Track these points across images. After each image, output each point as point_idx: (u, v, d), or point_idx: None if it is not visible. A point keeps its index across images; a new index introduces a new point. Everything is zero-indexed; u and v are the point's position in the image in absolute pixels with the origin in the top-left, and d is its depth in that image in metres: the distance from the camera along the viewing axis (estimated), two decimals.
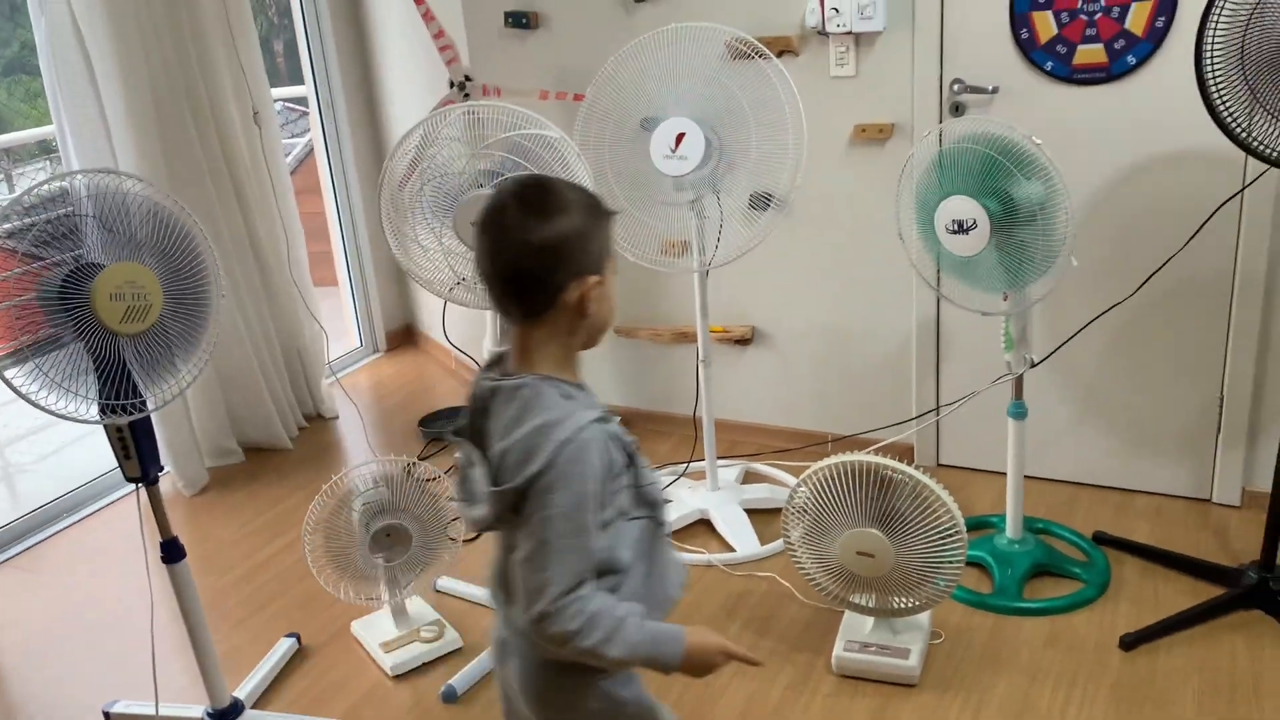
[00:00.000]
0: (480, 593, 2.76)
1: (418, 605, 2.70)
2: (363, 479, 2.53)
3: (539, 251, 1.29)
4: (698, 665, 1.37)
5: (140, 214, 2.00)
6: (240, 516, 3.37)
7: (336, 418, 4.13)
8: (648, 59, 2.68)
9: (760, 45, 2.63)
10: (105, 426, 2.02)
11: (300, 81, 4.48)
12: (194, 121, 3.49)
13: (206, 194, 3.53)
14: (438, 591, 2.83)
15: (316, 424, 4.09)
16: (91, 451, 3.72)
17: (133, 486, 2.13)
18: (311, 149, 4.99)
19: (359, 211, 4.62)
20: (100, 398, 1.96)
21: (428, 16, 3.20)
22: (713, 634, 1.40)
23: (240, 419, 3.80)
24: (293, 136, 8.13)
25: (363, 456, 3.75)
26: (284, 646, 2.61)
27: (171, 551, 2.16)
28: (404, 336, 4.97)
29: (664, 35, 2.65)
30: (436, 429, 3.86)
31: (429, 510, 2.56)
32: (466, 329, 4.18)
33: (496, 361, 1.41)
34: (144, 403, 2.00)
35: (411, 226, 2.26)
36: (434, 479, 2.57)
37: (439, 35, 3.22)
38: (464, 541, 3.02)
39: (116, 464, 2.09)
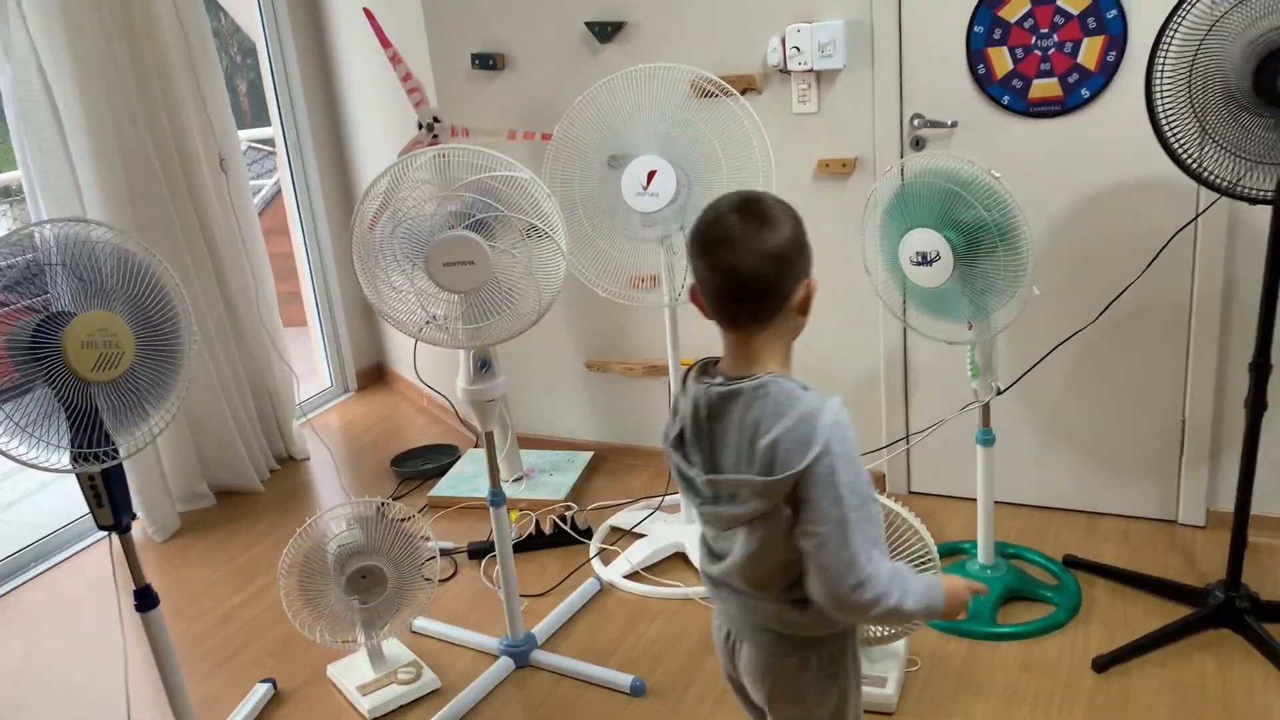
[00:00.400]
0: (456, 632, 2.76)
1: (394, 647, 2.69)
2: (337, 521, 2.53)
3: (774, 259, 1.40)
4: (954, 604, 1.45)
5: (110, 261, 2.00)
6: (213, 561, 3.34)
7: (308, 459, 4.12)
8: (614, 98, 2.72)
9: (724, 84, 2.68)
10: (77, 475, 2.00)
11: (265, 120, 4.50)
12: (161, 167, 3.49)
13: (175, 238, 3.53)
14: (414, 632, 2.82)
15: (288, 466, 4.07)
16: (60, 497, 3.69)
17: (103, 533, 2.11)
18: (279, 189, 5.00)
19: (328, 251, 4.62)
20: (72, 445, 1.95)
21: (395, 59, 3.23)
22: (949, 575, 1.50)
23: (211, 462, 3.78)
24: (259, 177, 8.14)
25: (335, 498, 3.73)
26: (260, 692, 2.59)
27: (144, 599, 2.14)
28: (375, 375, 4.96)
29: (631, 75, 2.70)
30: (409, 468, 3.85)
31: (404, 551, 2.56)
32: (438, 367, 4.19)
33: (703, 370, 1.49)
34: (116, 450, 1.99)
35: (383, 268, 2.28)
36: (408, 519, 2.57)
37: (407, 77, 3.25)
38: (439, 581, 3.01)
39: (88, 510, 2.08)
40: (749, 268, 1.39)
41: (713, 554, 1.52)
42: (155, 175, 3.46)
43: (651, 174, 2.67)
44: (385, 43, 3.22)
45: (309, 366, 4.76)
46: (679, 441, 1.47)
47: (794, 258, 1.43)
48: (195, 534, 3.55)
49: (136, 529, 3.51)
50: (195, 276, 3.62)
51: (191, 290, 3.58)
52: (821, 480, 1.32)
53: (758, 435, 1.37)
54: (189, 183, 3.61)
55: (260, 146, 8.08)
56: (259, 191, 7.84)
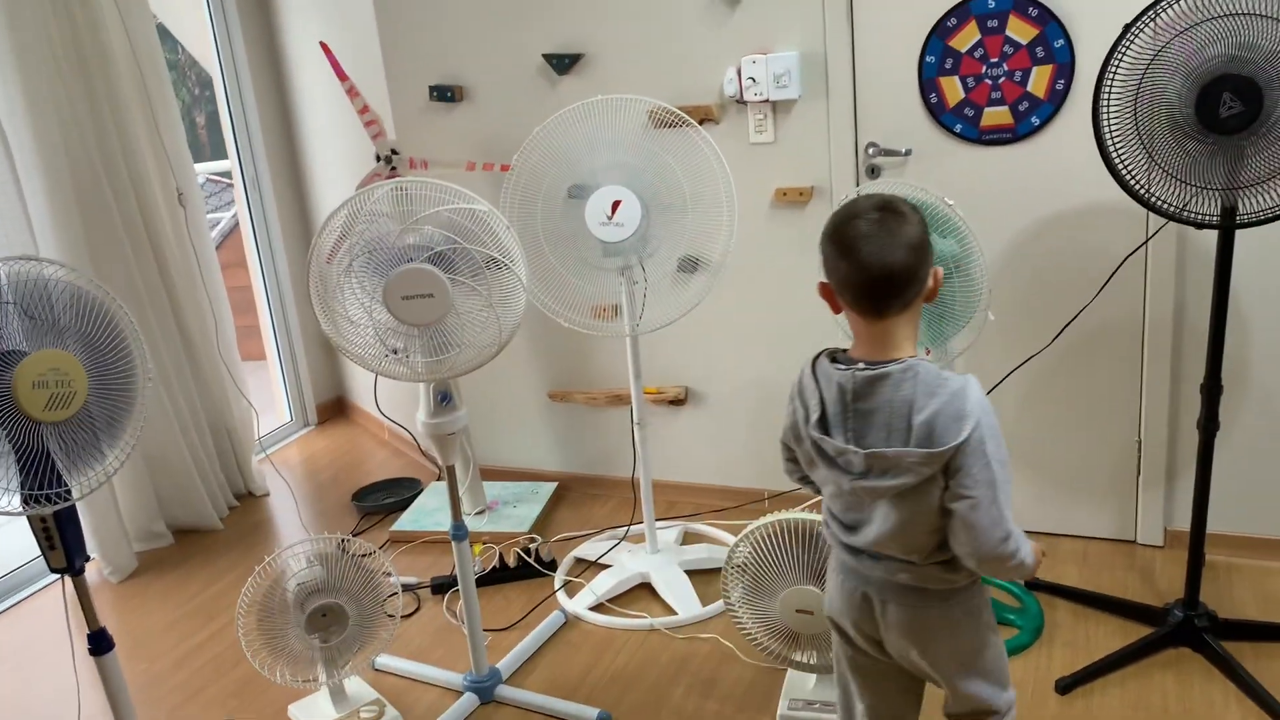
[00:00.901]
0: (420, 669, 2.72)
1: (357, 685, 2.65)
2: (296, 558, 2.50)
3: (916, 249, 1.56)
4: (1038, 562, 1.66)
5: (63, 300, 1.97)
6: (171, 601, 3.28)
7: (268, 495, 4.06)
8: (575, 129, 2.73)
9: (683, 114, 2.70)
10: (29, 517, 1.97)
11: (224, 153, 4.47)
12: (116, 203, 3.46)
13: (131, 275, 3.49)
14: (377, 670, 2.78)
15: (247, 502, 4.01)
16: (13, 537, 3.61)
17: (57, 575, 2.07)
18: (237, 223, 4.96)
19: (286, 284, 4.59)
20: (23, 488, 1.91)
21: (352, 93, 3.23)
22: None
23: (168, 501, 3.72)
24: (216, 210, 8.07)
25: (295, 534, 3.68)
26: None
27: (99, 643, 2.09)
28: (335, 409, 4.92)
29: (590, 106, 2.71)
30: (371, 503, 3.81)
31: (365, 587, 2.53)
32: (399, 400, 4.16)
33: (833, 359, 1.63)
34: (69, 491, 1.96)
35: (341, 302, 2.26)
36: (369, 555, 2.54)
37: (364, 110, 3.24)
38: (402, 618, 2.98)
39: (40, 553, 2.03)
40: (897, 259, 1.54)
41: (846, 526, 1.69)
42: (110, 211, 3.42)
43: (616, 204, 2.68)
44: (342, 76, 3.22)
45: (268, 401, 4.72)
46: (821, 423, 1.62)
47: (927, 249, 1.59)
48: (153, 574, 3.49)
49: (92, 570, 3.45)
50: (151, 312, 3.58)
51: (148, 326, 3.54)
52: (974, 450, 1.50)
53: (912, 412, 1.53)
54: (145, 218, 3.57)
55: (219, 179, 8.02)
56: (217, 225, 7.78)
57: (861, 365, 1.59)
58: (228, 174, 4.58)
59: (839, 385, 1.60)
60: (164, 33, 4.01)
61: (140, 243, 3.55)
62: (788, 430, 1.75)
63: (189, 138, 3.80)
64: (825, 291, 1.67)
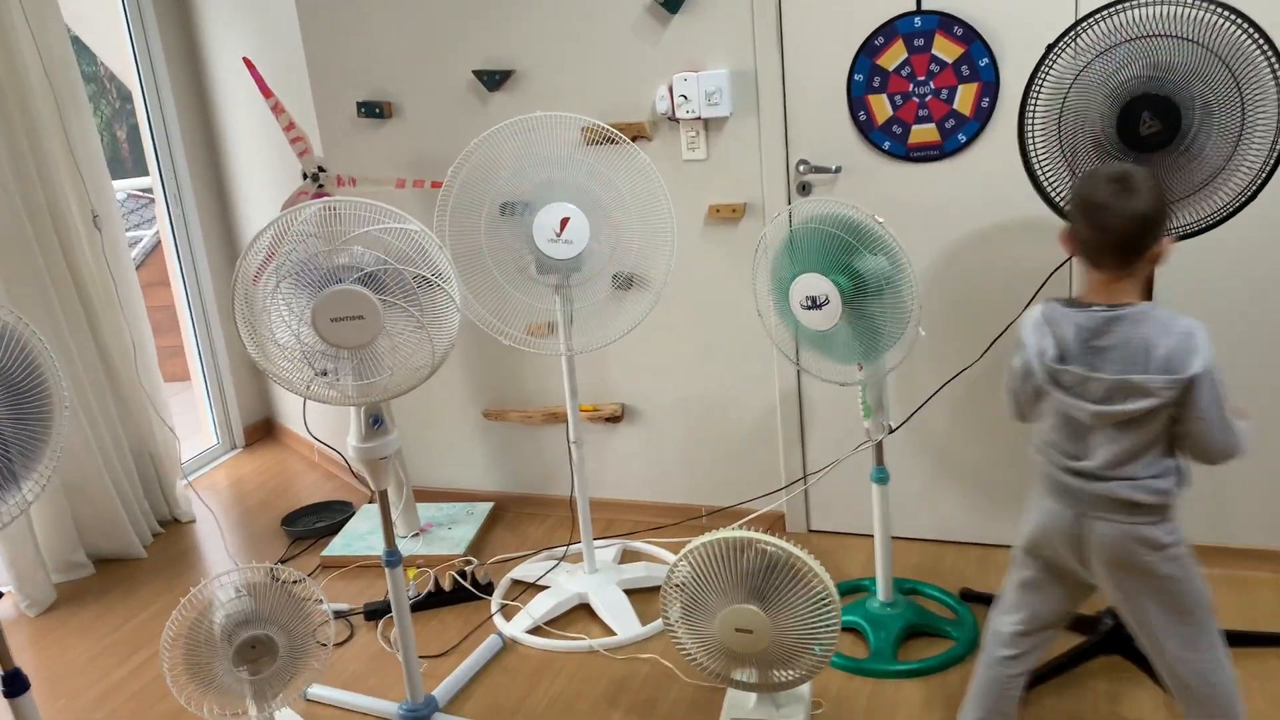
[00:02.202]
0: (353, 698, 2.66)
1: (288, 716, 2.58)
2: (224, 588, 2.42)
3: (1157, 211, 1.81)
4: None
5: None
6: (92, 635, 3.17)
7: (193, 521, 3.95)
8: (507, 145, 2.70)
9: (616, 131, 2.69)
10: None
11: (144, 170, 4.36)
12: (31, 223, 3.34)
13: (47, 298, 3.38)
14: (309, 700, 2.71)
15: (172, 529, 3.90)
16: None
17: None
18: (160, 240, 4.84)
19: (211, 304, 4.48)
20: None
21: (277, 109, 3.17)
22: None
23: (89, 529, 3.60)
24: (138, 227, 7.87)
25: (222, 561, 3.59)
26: None
27: (13, 685, 2.01)
28: (263, 431, 4.81)
29: (525, 123, 2.68)
30: (301, 527, 3.73)
31: (296, 616, 2.46)
32: (329, 421, 4.08)
33: (1068, 304, 1.87)
34: None
35: (268, 324, 2.21)
36: (299, 582, 2.48)
37: (290, 127, 3.18)
38: (335, 646, 2.91)
39: None
40: (1145, 214, 1.79)
41: (1069, 454, 1.92)
42: (24, 232, 3.31)
43: (564, 221, 2.66)
44: (266, 92, 3.15)
45: (193, 423, 4.60)
46: (1058, 359, 1.86)
47: (1163, 214, 1.84)
48: (73, 606, 3.37)
49: (7, 603, 3.32)
50: (69, 336, 3.47)
51: (66, 350, 3.43)
52: (1205, 378, 1.75)
53: (1150, 348, 1.78)
54: (61, 239, 3.46)
55: (141, 195, 7.82)
56: (140, 242, 7.57)
57: (1100, 307, 1.83)
58: (150, 190, 4.46)
59: (1077, 324, 1.84)
60: (80, 45, 3.90)
61: (56, 264, 3.44)
62: (1015, 373, 1.98)
63: (110, 152, 3.70)
64: (1068, 240, 1.91)
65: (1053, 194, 2.20)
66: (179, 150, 4.28)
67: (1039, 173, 2.21)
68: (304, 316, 2.18)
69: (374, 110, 3.43)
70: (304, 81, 3.55)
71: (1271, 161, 1.96)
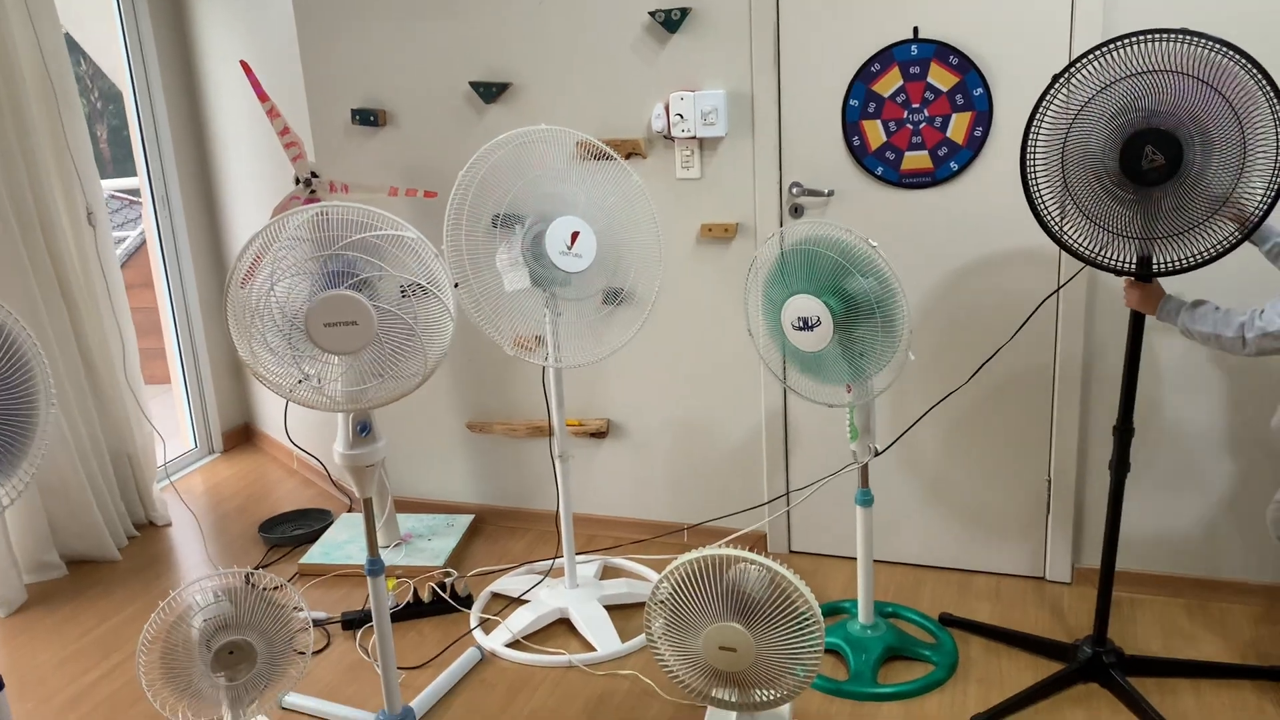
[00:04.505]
0: (330, 708, 2.63)
1: None
2: (203, 592, 2.40)
3: None
4: None
5: None
6: (64, 636, 3.12)
7: (169, 525, 3.91)
8: (512, 158, 2.70)
9: (607, 148, 2.70)
10: None
11: (127, 169, 4.33)
12: (17, 220, 3.31)
13: (30, 294, 3.34)
14: (285, 709, 2.68)
15: (148, 532, 3.85)
16: None
17: None
18: (143, 242, 4.80)
19: (195, 307, 4.45)
20: None
21: (273, 113, 3.16)
22: None
23: (63, 530, 3.55)
24: (120, 227, 7.81)
25: (197, 566, 3.55)
26: None
27: None
28: (242, 436, 4.77)
29: (533, 134, 2.68)
30: (278, 534, 3.70)
31: (274, 623, 2.44)
32: (310, 428, 4.06)
33: None
34: None
35: (259, 328, 2.20)
36: (278, 588, 2.45)
37: (285, 132, 3.17)
38: (313, 654, 2.88)
39: None
40: None
41: None
42: (9, 227, 3.28)
43: (575, 235, 2.67)
44: (262, 96, 3.15)
45: (172, 427, 4.55)
46: None
47: None
48: (44, 607, 3.32)
49: None
50: (51, 333, 3.43)
51: (47, 348, 3.39)
52: None
53: None
54: (46, 235, 3.43)
55: (122, 196, 7.77)
56: (121, 243, 7.52)
57: None
58: (133, 191, 4.43)
59: None
60: (71, 43, 3.88)
61: (40, 261, 3.41)
62: None
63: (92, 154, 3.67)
64: None
65: (1052, 225, 2.22)
66: (168, 151, 4.26)
67: (1038, 203, 2.23)
68: (296, 321, 2.17)
69: (368, 118, 3.43)
70: (299, 87, 3.54)
71: (1272, 194, 1.99)
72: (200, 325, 4.47)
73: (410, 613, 3.08)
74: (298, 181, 3.19)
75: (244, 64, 3.17)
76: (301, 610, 2.49)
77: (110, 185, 4.59)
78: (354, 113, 3.45)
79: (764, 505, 3.32)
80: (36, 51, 3.40)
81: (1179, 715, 2.42)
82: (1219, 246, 2.08)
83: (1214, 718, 2.42)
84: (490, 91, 3.25)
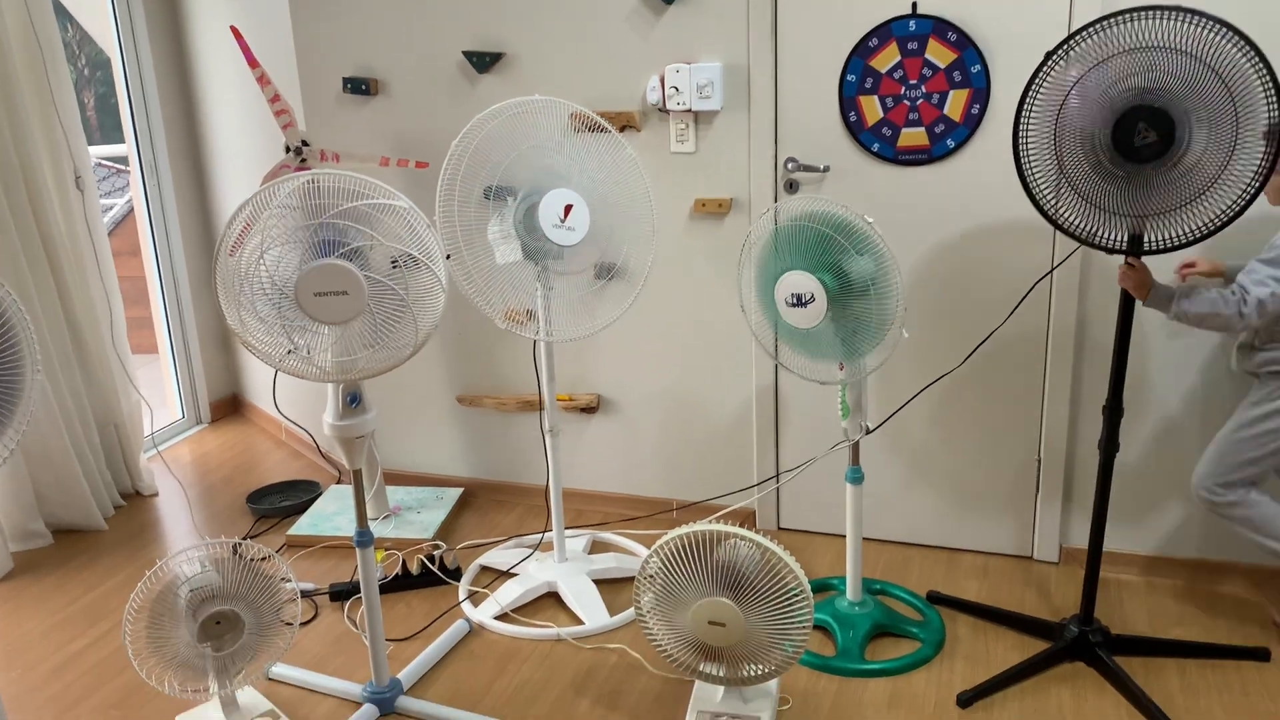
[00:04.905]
0: (317, 679, 2.63)
1: (249, 695, 2.55)
2: (191, 562, 2.38)
3: None
4: None
5: None
6: (48, 605, 3.11)
7: (156, 495, 3.89)
8: (502, 128, 2.67)
9: (602, 120, 2.68)
10: None
11: (114, 137, 4.28)
12: (2, 183, 3.27)
13: (15, 261, 3.31)
14: (271, 679, 2.68)
15: (134, 502, 3.84)
16: None
17: None
18: (130, 210, 4.75)
19: (183, 275, 4.41)
20: None
21: (263, 80, 3.12)
22: None
23: (48, 499, 3.53)
24: (107, 195, 7.74)
25: (184, 536, 3.53)
26: None
27: None
28: (230, 407, 4.75)
29: (526, 105, 2.65)
30: (266, 505, 3.68)
31: (262, 593, 2.43)
32: (298, 399, 4.04)
33: None
34: None
35: (249, 296, 2.17)
36: (266, 559, 2.45)
37: (275, 99, 3.13)
38: (300, 625, 2.88)
39: None
40: None
41: None
42: None
43: (568, 208, 2.64)
44: (253, 62, 3.11)
45: (159, 396, 4.52)
46: None
47: None
48: (30, 575, 3.30)
49: None
50: (37, 300, 3.40)
51: (32, 314, 3.36)
52: None
53: None
54: (32, 201, 3.39)
55: (108, 164, 7.69)
56: (107, 212, 7.45)
57: None
58: (119, 159, 4.38)
59: None
60: (57, 8, 3.82)
61: (27, 228, 3.37)
62: None
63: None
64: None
65: (1044, 204, 2.21)
66: (157, 118, 4.21)
67: (1031, 180, 2.22)
68: (287, 288, 2.15)
69: (360, 87, 3.39)
70: (290, 54, 3.50)
71: (1263, 174, 1.98)
72: (188, 294, 4.43)
73: (399, 585, 3.08)
74: (288, 150, 3.16)
75: (234, 30, 3.13)
76: (289, 581, 2.48)
77: (97, 152, 4.53)
78: (345, 81, 3.41)
79: (754, 486, 3.32)
80: (23, 11, 3.35)
81: (1164, 695, 2.44)
82: (1210, 225, 2.07)
83: (1199, 697, 2.43)
84: (483, 61, 3.22)
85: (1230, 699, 2.42)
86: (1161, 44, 1.99)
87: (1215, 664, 2.56)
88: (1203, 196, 2.03)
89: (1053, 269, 2.81)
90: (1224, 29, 1.95)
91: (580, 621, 2.85)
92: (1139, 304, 2.33)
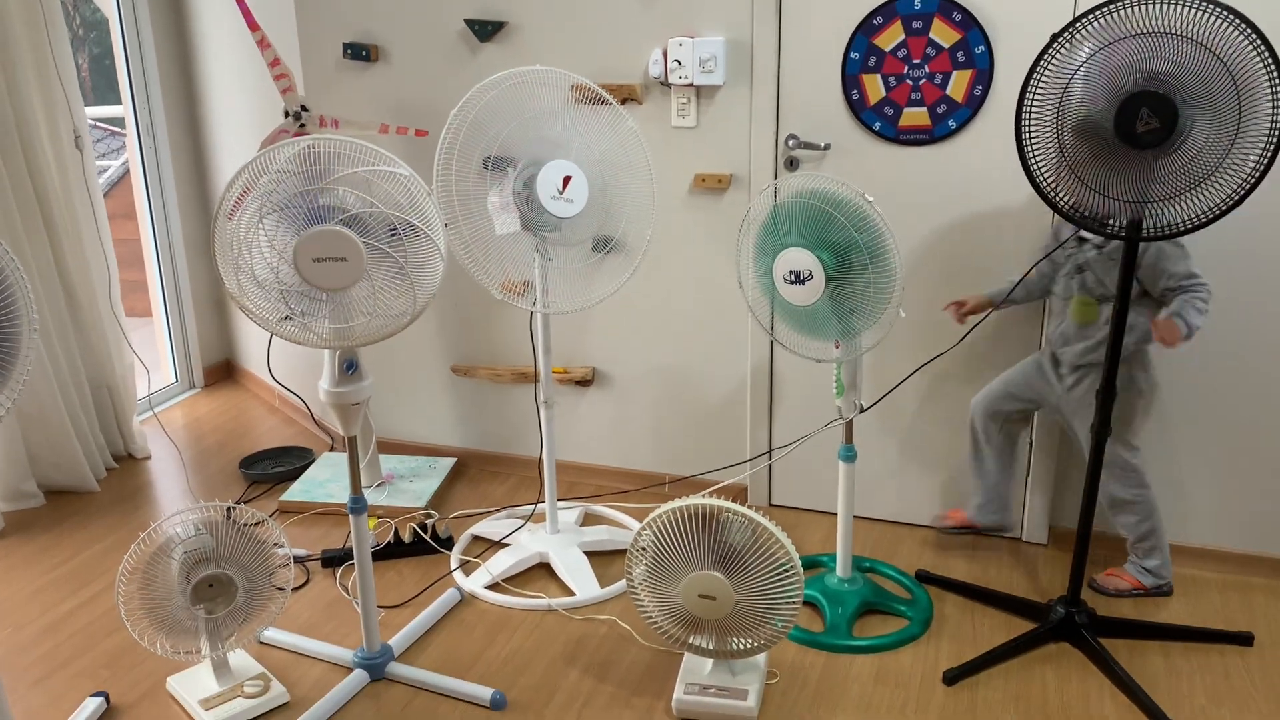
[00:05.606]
0: (308, 644, 2.64)
1: (240, 658, 2.56)
2: (185, 525, 2.39)
3: None
4: None
5: None
6: (40, 565, 3.12)
7: (149, 458, 3.89)
8: (503, 98, 2.66)
9: (604, 92, 2.67)
10: None
11: (107, 100, 4.25)
12: None
13: (10, 218, 3.29)
14: (263, 643, 2.69)
15: (127, 465, 3.84)
16: None
17: None
18: (125, 173, 4.73)
19: (178, 239, 4.40)
20: None
21: (263, 44, 3.10)
22: None
23: (41, 459, 3.53)
24: (102, 157, 7.69)
25: (176, 499, 3.54)
26: (90, 707, 2.42)
27: None
28: (224, 372, 4.74)
29: (527, 75, 2.63)
30: (259, 471, 3.69)
31: (254, 557, 2.44)
32: (292, 365, 4.04)
33: None
34: None
35: (248, 260, 2.17)
36: (259, 524, 2.45)
37: (275, 63, 3.11)
38: (292, 590, 2.89)
39: None
40: None
41: None
42: None
43: (567, 179, 2.64)
44: (253, 25, 3.08)
45: (152, 360, 4.51)
46: None
47: None
48: (21, 536, 3.31)
49: None
50: (32, 260, 3.39)
51: (29, 275, 3.34)
52: None
53: None
54: (27, 158, 3.37)
55: (104, 126, 7.63)
56: (102, 174, 7.40)
57: None
58: (114, 121, 4.35)
59: None
60: None
61: (23, 187, 3.35)
62: None
63: None
64: None
65: (1045, 187, 2.21)
66: (154, 79, 4.18)
67: (1031, 161, 2.22)
68: (285, 254, 2.14)
69: (360, 53, 3.37)
70: (291, 18, 3.47)
71: (1265, 162, 1.98)
72: (183, 258, 4.41)
73: (390, 552, 3.09)
74: (287, 114, 3.14)
75: None
76: (282, 546, 2.49)
77: (91, 113, 4.49)
78: (346, 47, 3.39)
79: (747, 462, 3.33)
80: None
81: (1147, 676, 2.46)
82: (1210, 213, 2.08)
83: (1181, 680, 2.46)
84: (485, 30, 3.20)
85: (1212, 681, 2.45)
86: (1167, 30, 1.99)
87: (1199, 647, 2.58)
88: (1203, 184, 2.03)
89: (1050, 251, 2.81)
90: (1232, 16, 1.94)
91: (571, 592, 2.86)
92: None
